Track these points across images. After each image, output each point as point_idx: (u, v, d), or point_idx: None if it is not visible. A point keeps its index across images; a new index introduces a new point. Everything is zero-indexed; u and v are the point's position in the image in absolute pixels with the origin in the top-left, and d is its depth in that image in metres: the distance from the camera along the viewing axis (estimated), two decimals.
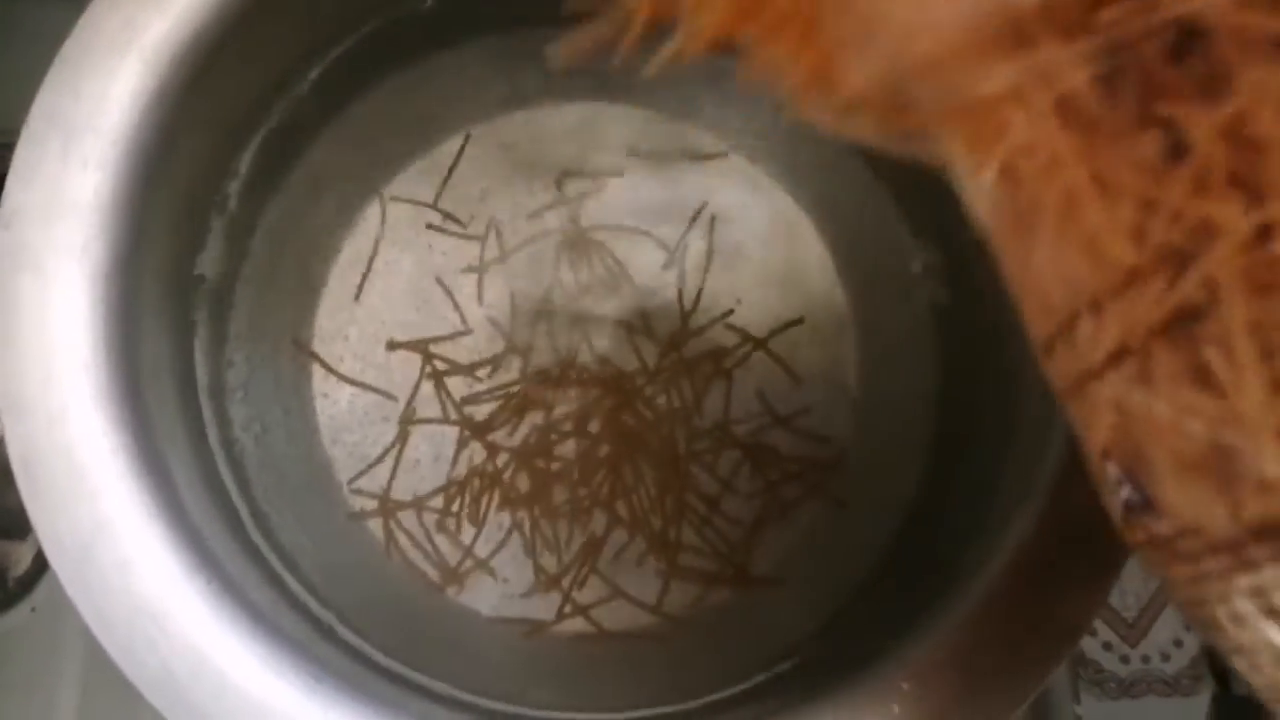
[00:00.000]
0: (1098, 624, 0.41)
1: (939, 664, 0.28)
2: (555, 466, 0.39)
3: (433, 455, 0.39)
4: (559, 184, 0.41)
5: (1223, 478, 0.16)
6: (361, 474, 0.39)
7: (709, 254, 0.40)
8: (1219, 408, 0.16)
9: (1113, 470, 0.18)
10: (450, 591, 0.38)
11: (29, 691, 0.39)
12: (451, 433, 0.39)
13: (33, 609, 0.39)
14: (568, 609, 0.38)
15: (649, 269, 0.40)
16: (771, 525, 0.39)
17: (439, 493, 0.39)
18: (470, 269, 0.40)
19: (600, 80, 0.40)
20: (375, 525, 0.39)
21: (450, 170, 0.40)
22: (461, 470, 0.39)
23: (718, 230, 0.41)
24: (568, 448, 0.39)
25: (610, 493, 0.39)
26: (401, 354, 0.39)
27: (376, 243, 0.40)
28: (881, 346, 0.40)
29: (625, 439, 0.39)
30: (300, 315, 0.39)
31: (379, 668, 0.33)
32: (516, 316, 0.40)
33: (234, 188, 0.35)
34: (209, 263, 0.35)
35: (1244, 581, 0.16)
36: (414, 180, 0.40)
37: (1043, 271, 0.18)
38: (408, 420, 0.39)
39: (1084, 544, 0.28)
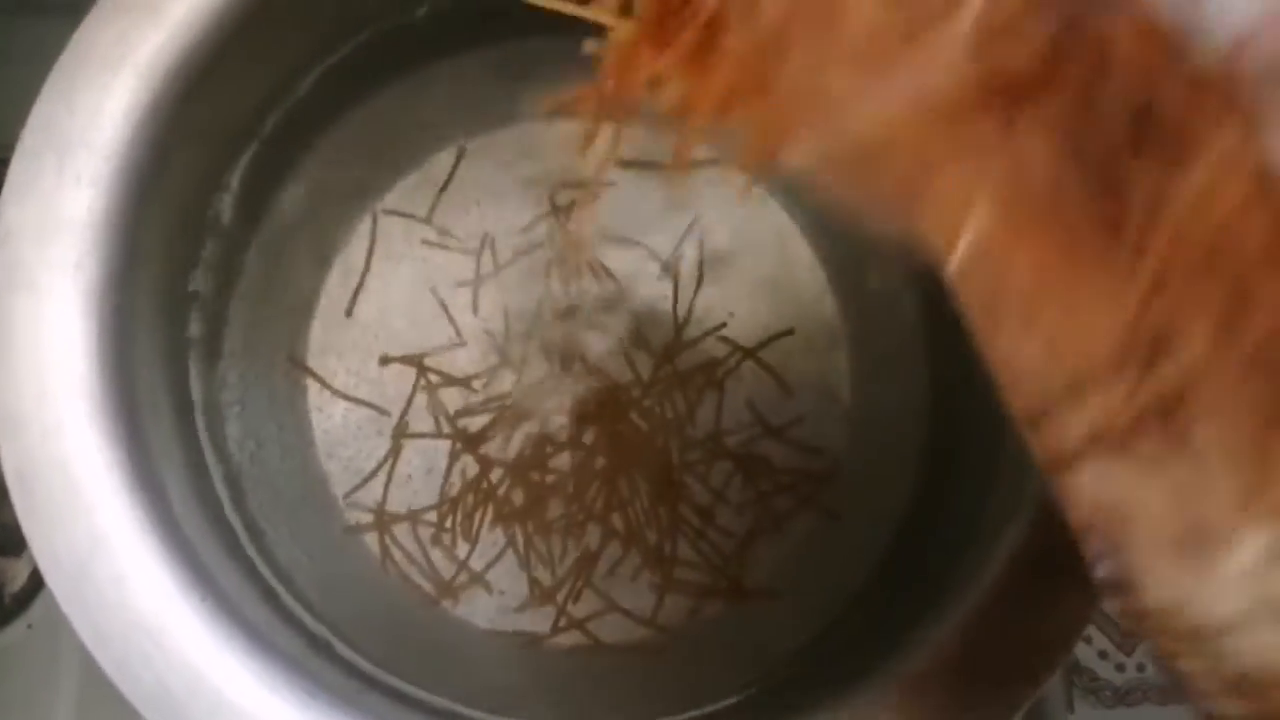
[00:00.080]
0: (1093, 632, 0.41)
1: (932, 674, 0.28)
2: (550, 479, 0.39)
3: (425, 468, 0.39)
4: (552, 196, 0.41)
5: (1202, 561, 0.16)
6: (356, 488, 0.39)
7: (700, 265, 0.41)
8: (1196, 492, 0.16)
9: (1093, 547, 0.18)
10: (446, 605, 0.38)
11: (26, 708, 0.39)
12: (445, 446, 0.39)
13: (29, 626, 0.39)
14: (563, 622, 0.38)
15: (642, 280, 0.41)
16: (765, 537, 0.39)
17: (434, 508, 0.39)
18: (464, 283, 0.40)
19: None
20: (370, 539, 0.39)
21: (445, 184, 0.40)
22: (455, 483, 0.39)
23: (709, 241, 0.41)
24: (562, 460, 0.39)
25: (605, 506, 0.39)
26: (395, 368, 0.39)
27: (369, 257, 0.40)
28: (873, 358, 0.40)
29: (620, 451, 0.39)
30: (294, 330, 0.39)
31: (374, 682, 0.33)
32: (510, 329, 0.40)
33: (227, 203, 0.35)
34: (203, 279, 0.35)
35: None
36: (407, 194, 0.40)
37: (1014, 359, 0.18)
38: (400, 434, 0.39)
39: (1076, 553, 0.28)
